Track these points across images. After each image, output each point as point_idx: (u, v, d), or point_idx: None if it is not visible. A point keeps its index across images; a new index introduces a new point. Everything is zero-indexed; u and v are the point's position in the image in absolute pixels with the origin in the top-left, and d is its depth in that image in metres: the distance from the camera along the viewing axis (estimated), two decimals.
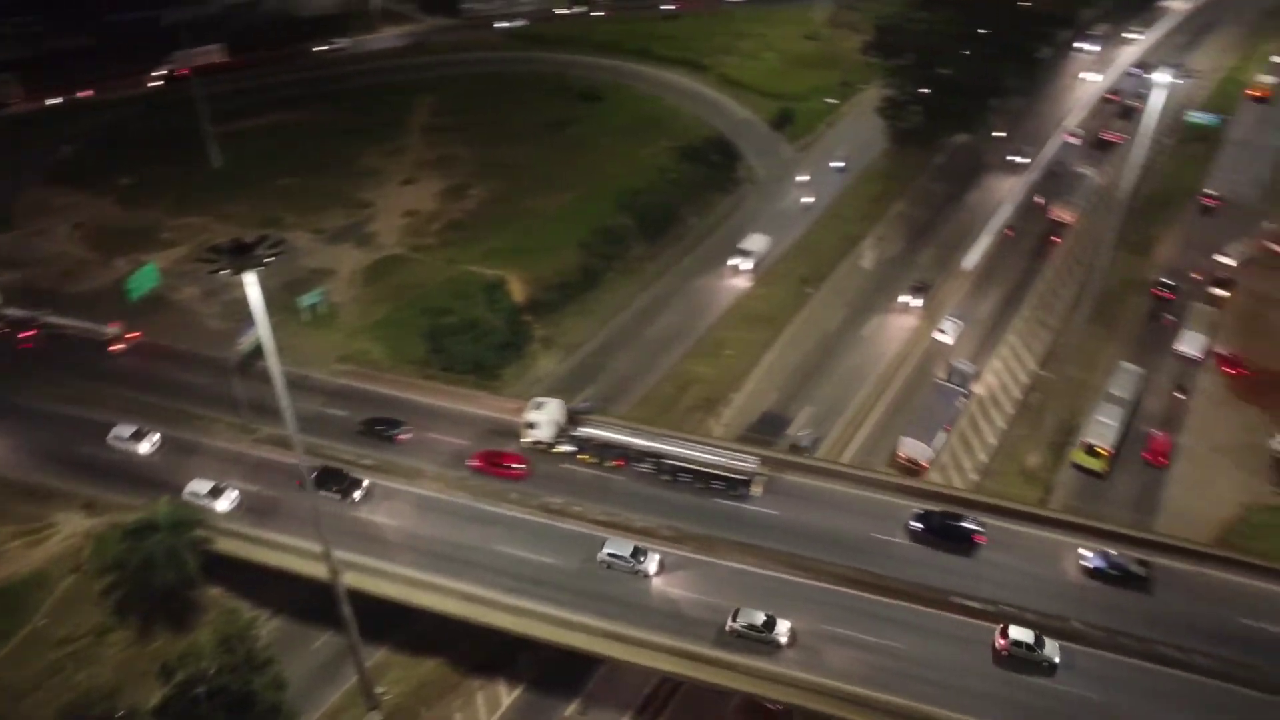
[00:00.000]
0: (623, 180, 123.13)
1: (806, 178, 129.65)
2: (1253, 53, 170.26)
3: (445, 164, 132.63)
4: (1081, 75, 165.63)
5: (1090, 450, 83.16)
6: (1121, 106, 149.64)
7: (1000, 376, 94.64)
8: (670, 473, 73.02)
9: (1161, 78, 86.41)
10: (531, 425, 76.16)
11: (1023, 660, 60.62)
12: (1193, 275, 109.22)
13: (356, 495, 72.56)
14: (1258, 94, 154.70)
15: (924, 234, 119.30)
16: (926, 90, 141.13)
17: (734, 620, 62.69)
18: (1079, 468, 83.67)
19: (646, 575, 66.69)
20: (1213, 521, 77.61)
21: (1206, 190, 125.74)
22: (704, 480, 72.30)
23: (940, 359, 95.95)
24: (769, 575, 66.59)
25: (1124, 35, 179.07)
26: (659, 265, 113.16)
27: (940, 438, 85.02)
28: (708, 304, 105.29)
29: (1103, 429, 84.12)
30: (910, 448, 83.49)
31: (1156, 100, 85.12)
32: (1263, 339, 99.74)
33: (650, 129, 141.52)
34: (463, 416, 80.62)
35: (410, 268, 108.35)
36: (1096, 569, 66.76)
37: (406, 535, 70.26)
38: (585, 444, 75.51)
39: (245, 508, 72.70)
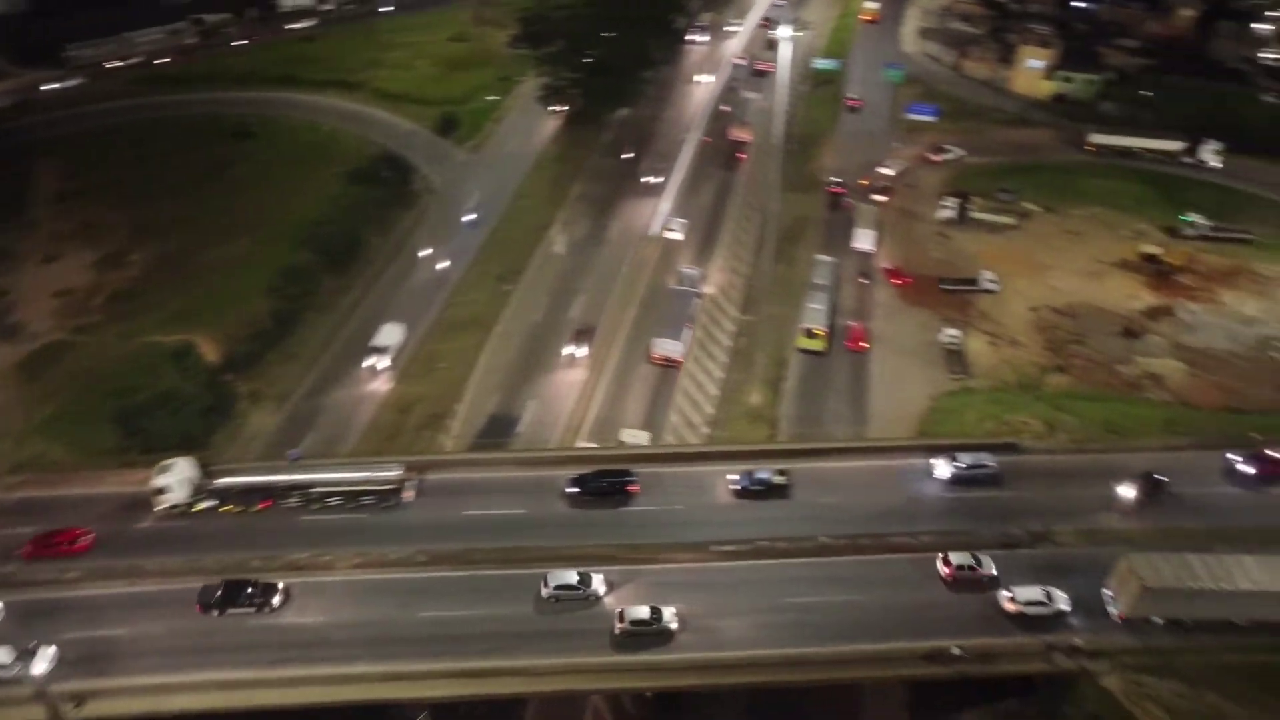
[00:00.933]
0: (297, 215, 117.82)
1: (429, 250, 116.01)
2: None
3: (91, 232, 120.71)
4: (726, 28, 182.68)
5: (809, 334, 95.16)
6: (768, 40, 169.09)
7: (720, 286, 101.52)
8: (319, 500, 73.18)
9: (784, 32, 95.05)
10: (161, 490, 72.08)
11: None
12: (860, 182, 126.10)
13: (275, 601, 66.27)
14: (868, 18, 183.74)
15: (607, 208, 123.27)
16: (578, 74, 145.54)
17: (621, 621, 63.67)
18: (804, 351, 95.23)
19: (599, 598, 66.70)
20: (910, 416, 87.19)
21: (849, 95, 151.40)
22: (353, 499, 73.09)
23: (673, 263, 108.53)
24: (424, 576, 68.33)
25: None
26: (355, 294, 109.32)
27: (686, 334, 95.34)
28: (413, 320, 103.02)
29: (815, 313, 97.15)
30: (662, 346, 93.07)
31: (785, 53, 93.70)
32: (913, 248, 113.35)
33: (314, 158, 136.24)
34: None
35: (78, 352, 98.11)
36: (743, 488, 74.38)
37: (335, 627, 65.34)
38: (226, 495, 73.54)
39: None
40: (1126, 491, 74.19)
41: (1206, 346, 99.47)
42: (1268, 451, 78.58)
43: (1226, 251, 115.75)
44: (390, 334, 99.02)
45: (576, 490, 73.88)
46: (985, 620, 65.85)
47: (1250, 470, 77.71)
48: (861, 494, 74.66)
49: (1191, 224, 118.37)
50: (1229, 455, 78.59)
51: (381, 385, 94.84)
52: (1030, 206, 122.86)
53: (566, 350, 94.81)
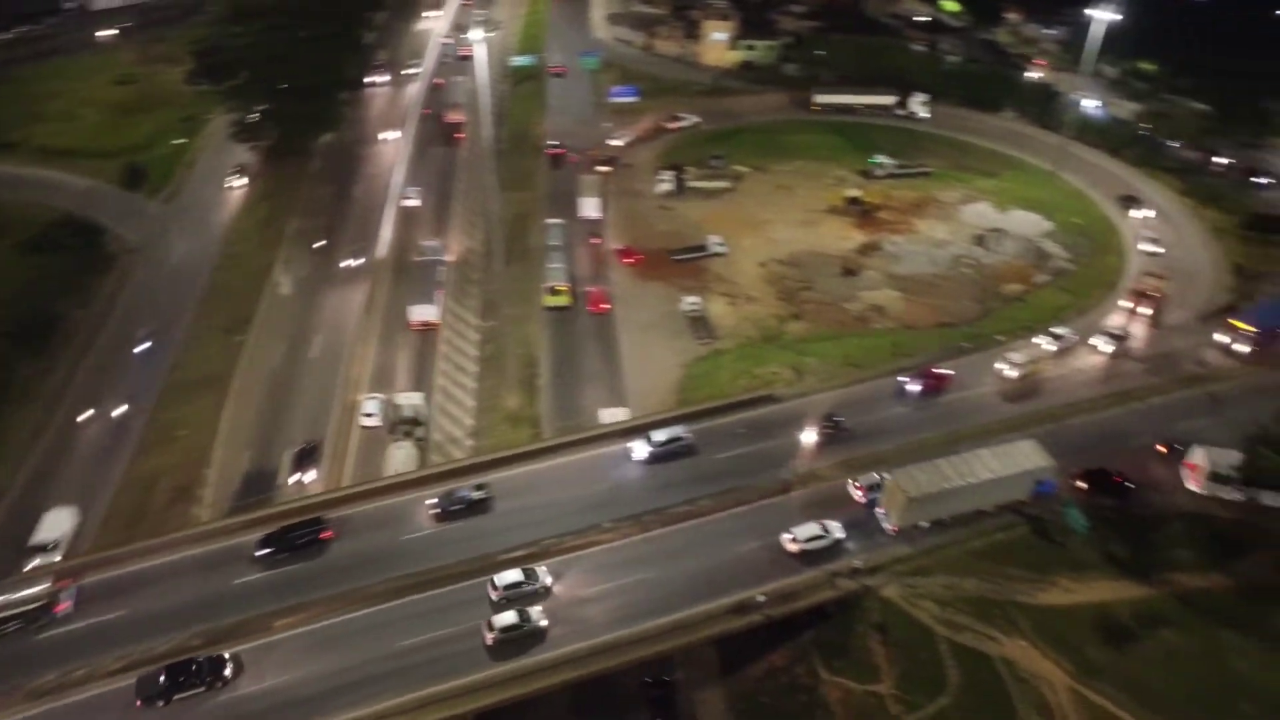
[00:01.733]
0: None
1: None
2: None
3: None
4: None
5: (553, 291, 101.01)
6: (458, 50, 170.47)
7: (454, 327, 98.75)
8: None
9: (476, 35, 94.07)
10: None
11: None
12: (589, 154, 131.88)
13: (227, 672, 59.82)
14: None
15: (333, 233, 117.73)
16: (270, 104, 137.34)
17: (491, 631, 62.42)
18: (551, 308, 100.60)
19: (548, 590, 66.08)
20: (667, 387, 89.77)
21: (551, 64, 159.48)
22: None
23: (415, 233, 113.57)
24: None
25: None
26: (61, 374, 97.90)
27: (438, 298, 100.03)
28: (138, 390, 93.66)
29: (555, 271, 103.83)
30: (419, 313, 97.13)
31: (481, 55, 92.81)
32: (640, 225, 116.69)
33: None
34: None
35: None
36: (443, 510, 71.91)
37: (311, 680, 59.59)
38: None
39: None
40: (809, 435, 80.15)
41: (913, 273, 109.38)
42: (933, 370, 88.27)
43: (912, 185, 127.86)
44: (55, 524, 75.60)
45: (269, 551, 68.28)
46: (775, 565, 69.48)
47: (915, 388, 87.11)
48: (572, 487, 75.27)
49: (880, 165, 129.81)
50: (899, 378, 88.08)
51: (115, 464, 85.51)
52: (741, 169, 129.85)
53: (293, 479, 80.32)
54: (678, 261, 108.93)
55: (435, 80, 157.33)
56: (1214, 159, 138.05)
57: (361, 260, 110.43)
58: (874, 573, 70.35)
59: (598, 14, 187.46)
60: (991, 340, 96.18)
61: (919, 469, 73.17)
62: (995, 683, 64.50)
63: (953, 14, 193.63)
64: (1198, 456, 79.42)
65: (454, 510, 72.13)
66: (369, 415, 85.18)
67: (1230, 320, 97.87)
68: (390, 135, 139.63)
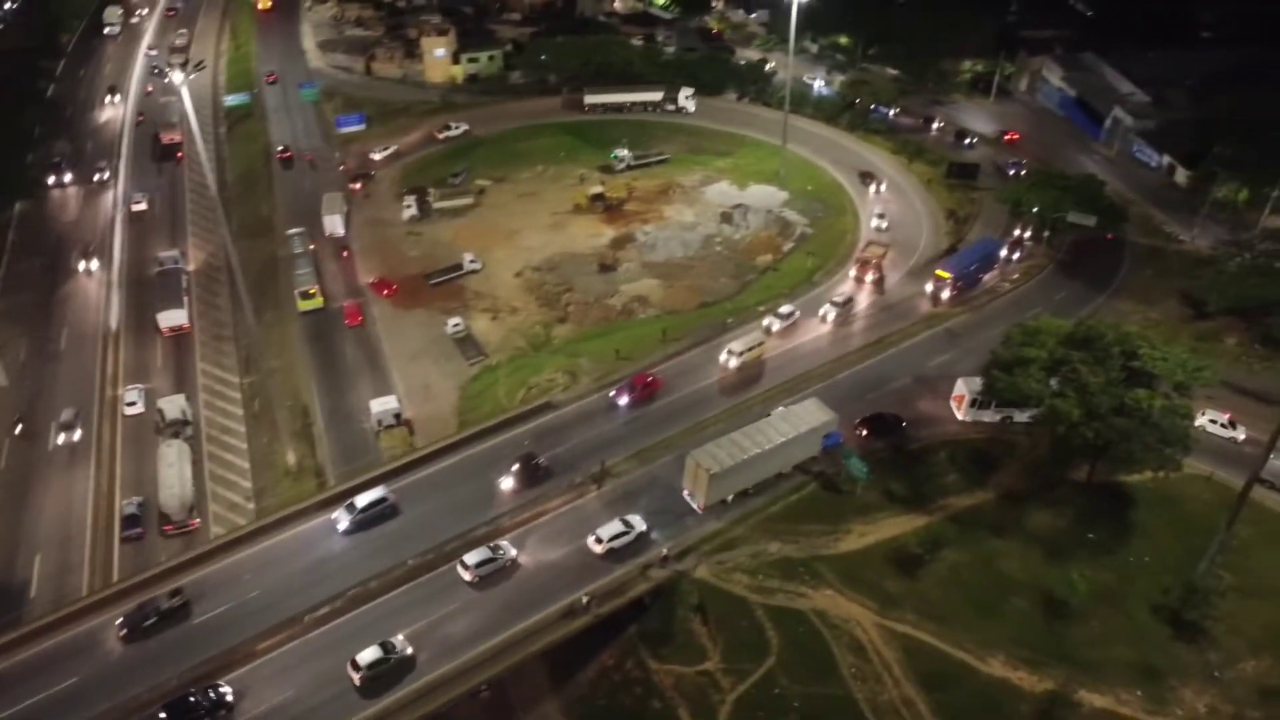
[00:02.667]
0: None
1: None
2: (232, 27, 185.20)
3: None
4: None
5: (305, 295, 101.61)
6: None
7: (212, 409, 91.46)
8: None
9: (178, 77, 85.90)
10: None
11: None
12: (340, 168, 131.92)
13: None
14: (266, 6, 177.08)
15: (45, 313, 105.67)
16: None
17: (357, 670, 60.65)
18: (306, 312, 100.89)
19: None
20: (447, 413, 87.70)
21: (268, 70, 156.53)
22: None
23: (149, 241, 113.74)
24: None
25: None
26: None
27: (186, 302, 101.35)
28: None
29: (302, 276, 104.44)
30: (168, 319, 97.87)
31: (187, 100, 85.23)
32: (391, 254, 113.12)
33: None
34: None
35: None
36: (129, 629, 63.55)
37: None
38: None
39: None
40: (506, 480, 76.88)
41: (668, 258, 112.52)
42: (641, 378, 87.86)
43: (654, 174, 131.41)
44: None
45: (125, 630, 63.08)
46: (589, 570, 69.62)
47: (624, 400, 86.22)
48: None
49: (619, 158, 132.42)
50: (611, 394, 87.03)
51: None
52: (483, 182, 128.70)
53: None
54: (435, 285, 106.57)
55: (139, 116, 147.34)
56: (931, 122, 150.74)
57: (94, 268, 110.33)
58: (683, 557, 71.91)
59: (309, 43, 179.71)
60: (753, 311, 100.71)
61: (716, 445, 75.35)
62: (812, 634, 67.69)
63: (663, 7, 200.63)
64: (959, 387, 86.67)
65: (147, 626, 63.57)
66: (131, 404, 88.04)
67: (935, 271, 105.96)
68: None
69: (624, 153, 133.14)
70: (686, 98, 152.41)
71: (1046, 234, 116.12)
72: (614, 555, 70.81)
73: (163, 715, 57.40)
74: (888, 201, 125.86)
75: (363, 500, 72.62)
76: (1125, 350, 76.49)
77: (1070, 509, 78.92)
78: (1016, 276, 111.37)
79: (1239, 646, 68.85)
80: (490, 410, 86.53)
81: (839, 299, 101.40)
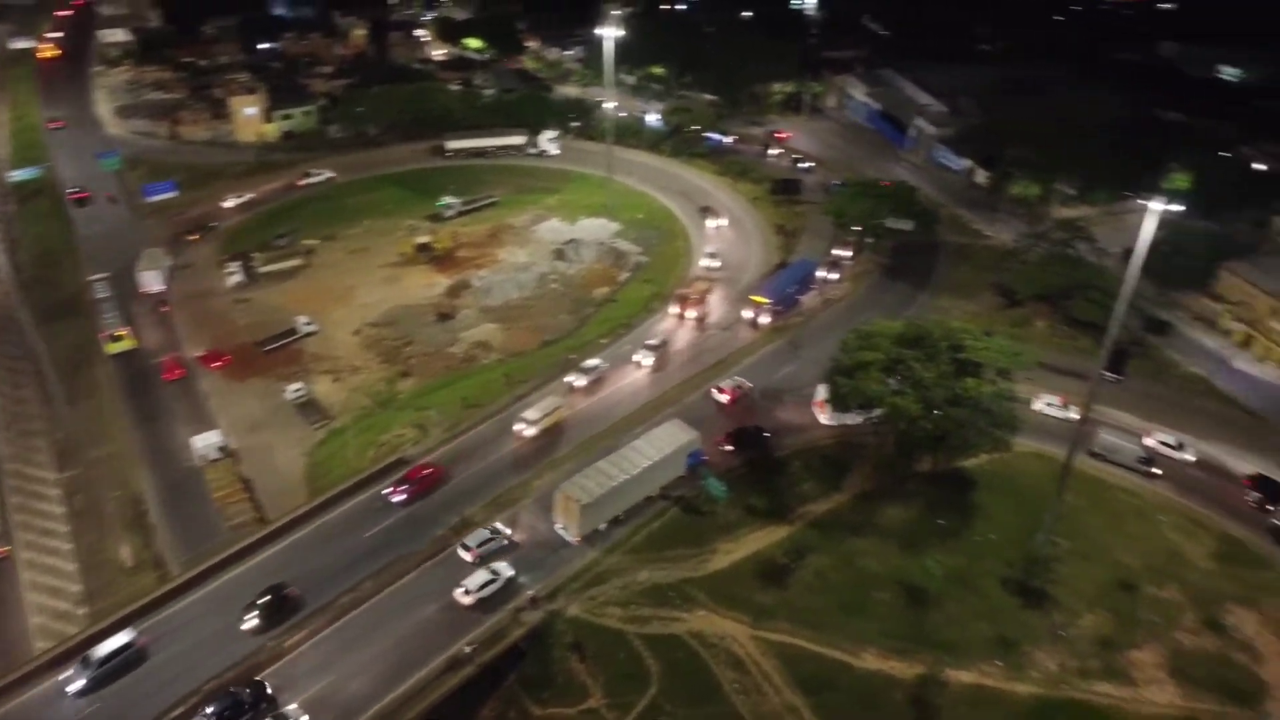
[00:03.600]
0: None
1: None
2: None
3: None
4: None
5: (114, 338, 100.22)
6: None
7: (26, 512, 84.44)
8: None
9: None
10: None
11: None
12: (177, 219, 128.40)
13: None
14: (55, 125, 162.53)
15: None
16: None
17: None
18: (118, 355, 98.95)
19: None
20: (296, 483, 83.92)
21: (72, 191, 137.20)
22: None
23: None
24: None
25: None
26: None
27: None
28: None
29: (112, 320, 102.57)
30: None
31: None
32: (220, 325, 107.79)
33: None
34: None
35: None
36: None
37: None
38: None
39: None
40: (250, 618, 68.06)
41: (505, 301, 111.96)
42: (418, 469, 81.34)
43: (483, 218, 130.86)
44: None
45: None
46: (461, 623, 68.03)
47: (401, 497, 78.88)
48: None
49: (448, 205, 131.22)
50: (384, 491, 79.83)
51: None
52: (310, 242, 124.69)
53: None
54: (269, 352, 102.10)
55: None
56: (769, 148, 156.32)
57: None
58: (554, 597, 71.15)
59: (105, 109, 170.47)
60: (596, 344, 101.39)
61: (584, 476, 75.72)
62: (690, 657, 67.99)
63: (478, 50, 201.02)
64: (821, 392, 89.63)
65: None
66: None
67: (751, 297, 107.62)
68: None
69: (451, 199, 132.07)
70: (549, 140, 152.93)
71: (870, 240, 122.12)
72: (484, 605, 69.44)
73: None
74: (722, 233, 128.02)
75: (104, 649, 63.65)
76: (952, 344, 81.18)
77: (919, 500, 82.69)
78: (846, 285, 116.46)
79: (1078, 605, 73.76)
80: (343, 473, 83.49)
81: (653, 341, 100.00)
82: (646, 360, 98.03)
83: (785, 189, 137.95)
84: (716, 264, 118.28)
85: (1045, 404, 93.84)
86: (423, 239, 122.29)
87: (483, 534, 73.84)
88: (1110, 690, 67.90)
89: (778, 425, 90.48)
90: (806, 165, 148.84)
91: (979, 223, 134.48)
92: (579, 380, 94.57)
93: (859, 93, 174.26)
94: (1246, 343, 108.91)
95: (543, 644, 68.55)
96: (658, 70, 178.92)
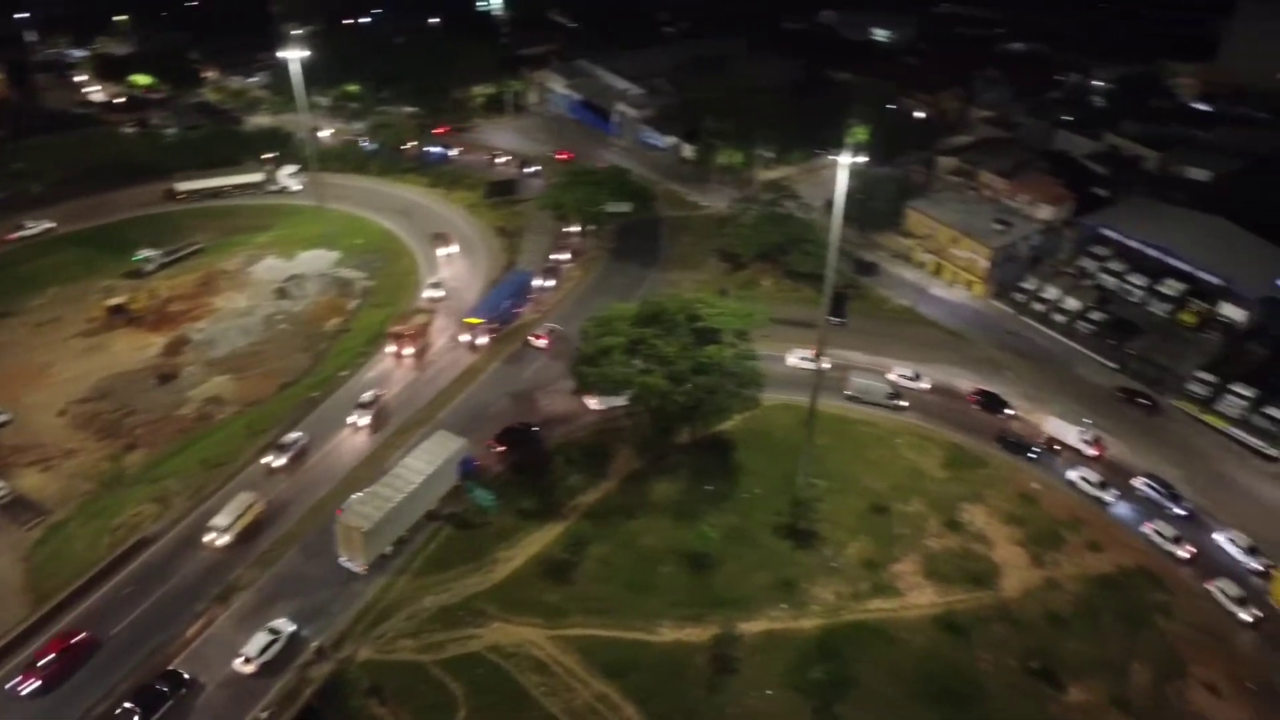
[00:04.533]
0: None
1: None
2: None
3: None
4: None
5: None
6: None
7: None
8: None
9: None
10: None
11: None
12: None
13: None
14: None
15: None
16: None
17: None
18: None
19: None
20: (16, 591, 74.15)
21: None
22: None
23: None
24: None
25: None
26: None
27: None
28: None
29: None
30: None
31: None
32: None
33: None
34: None
35: None
36: None
37: None
38: None
39: None
40: None
41: (232, 350, 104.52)
42: (57, 643, 65.63)
43: (191, 267, 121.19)
44: None
45: None
46: (249, 695, 63.49)
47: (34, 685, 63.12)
48: None
49: (146, 260, 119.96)
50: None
51: None
52: None
53: None
54: None
55: None
56: (495, 156, 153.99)
57: None
58: (340, 645, 67.76)
59: None
60: (337, 379, 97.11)
61: (360, 502, 73.72)
62: (493, 671, 66.93)
63: (147, 87, 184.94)
64: None
65: None
66: None
67: (465, 319, 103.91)
68: None
69: (149, 252, 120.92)
70: (289, 175, 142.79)
71: (593, 228, 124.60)
72: (269, 669, 65.01)
73: None
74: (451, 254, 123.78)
75: None
76: (689, 315, 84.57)
77: (685, 470, 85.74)
78: (576, 274, 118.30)
79: (842, 536, 79.57)
80: (74, 567, 74.84)
81: (366, 397, 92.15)
82: (363, 420, 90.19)
83: (501, 191, 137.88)
84: (440, 293, 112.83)
85: (799, 358, 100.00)
86: (116, 300, 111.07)
87: (261, 639, 66.27)
88: (882, 605, 73.79)
89: (548, 418, 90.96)
90: (531, 170, 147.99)
91: (693, 195, 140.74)
92: (278, 460, 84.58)
93: (559, 86, 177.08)
94: (938, 271, 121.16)
95: (338, 697, 65.09)
96: (353, 88, 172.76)
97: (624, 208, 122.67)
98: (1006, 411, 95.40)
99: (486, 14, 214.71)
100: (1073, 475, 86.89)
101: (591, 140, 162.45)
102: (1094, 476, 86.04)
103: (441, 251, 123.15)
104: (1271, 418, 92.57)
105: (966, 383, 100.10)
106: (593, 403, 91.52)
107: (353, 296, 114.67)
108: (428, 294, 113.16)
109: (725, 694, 66.36)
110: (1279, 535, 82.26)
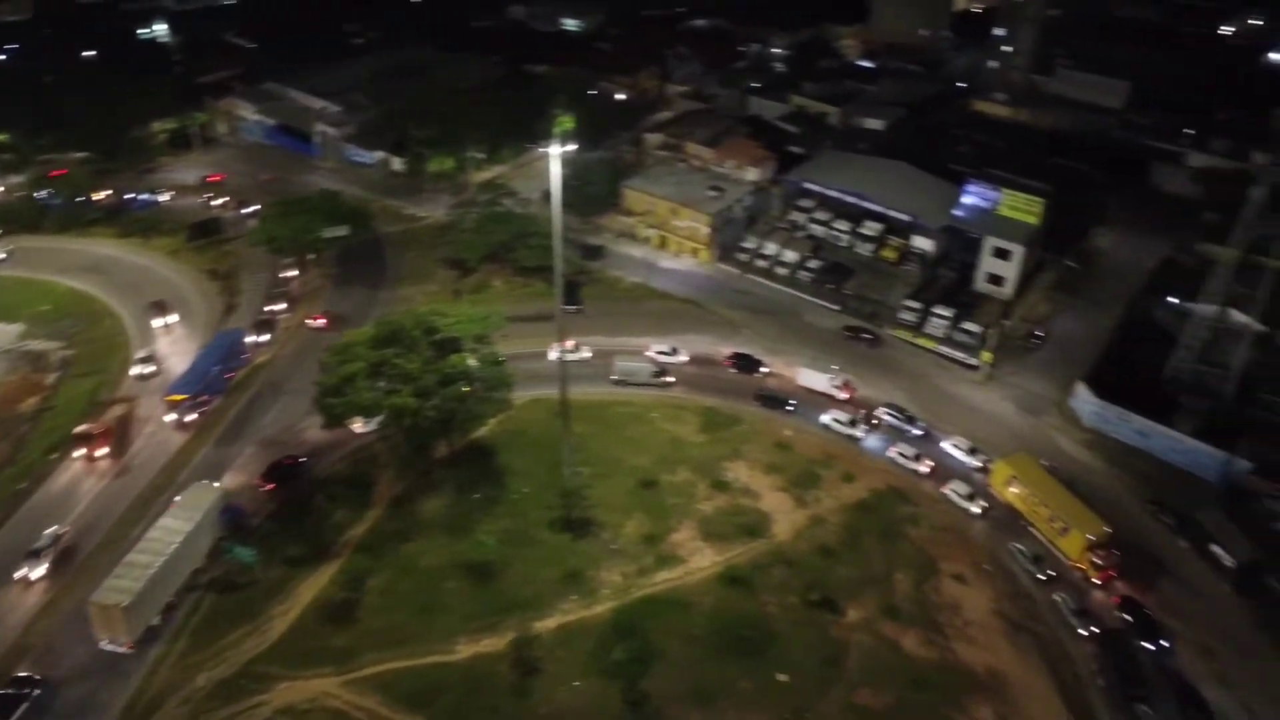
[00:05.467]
0: None
1: None
2: None
3: None
4: None
5: None
6: None
7: None
8: None
9: None
10: None
11: None
12: None
13: None
14: None
15: None
16: None
17: None
18: None
19: None
20: None
21: None
22: None
23: None
24: None
25: None
26: None
27: None
28: None
29: None
30: None
31: None
32: None
33: None
34: None
35: None
36: None
37: None
38: None
39: None
40: None
41: None
42: None
43: None
44: None
45: None
46: None
47: None
48: None
49: None
50: None
51: None
52: None
53: None
54: None
55: None
56: (209, 196, 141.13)
57: None
58: None
59: None
60: (45, 462, 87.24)
61: (115, 578, 67.98)
62: None
63: None
64: None
65: None
66: None
67: (167, 397, 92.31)
68: None
69: None
70: None
71: (312, 257, 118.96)
72: None
73: None
74: (172, 328, 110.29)
75: None
76: (426, 329, 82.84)
77: (450, 484, 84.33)
78: (301, 309, 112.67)
79: (617, 518, 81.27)
80: None
81: (40, 543, 75.89)
82: (37, 570, 74.13)
83: (204, 232, 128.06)
84: (151, 368, 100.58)
85: (559, 352, 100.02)
86: None
87: None
88: (667, 575, 76.13)
89: (314, 449, 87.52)
90: (250, 210, 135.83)
91: (410, 207, 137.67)
92: None
93: (249, 112, 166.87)
94: (663, 244, 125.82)
95: None
96: (2, 137, 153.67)
97: (341, 231, 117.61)
98: (762, 370, 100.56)
99: (152, 42, 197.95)
100: (825, 419, 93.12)
101: (296, 165, 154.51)
102: (844, 416, 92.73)
103: (158, 322, 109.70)
104: (968, 331, 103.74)
105: (715, 349, 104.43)
106: (358, 426, 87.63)
107: (50, 370, 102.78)
108: (136, 370, 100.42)
109: (534, 695, 66.23)
110: (989, 433, 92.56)
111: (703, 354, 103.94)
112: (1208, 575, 77.42)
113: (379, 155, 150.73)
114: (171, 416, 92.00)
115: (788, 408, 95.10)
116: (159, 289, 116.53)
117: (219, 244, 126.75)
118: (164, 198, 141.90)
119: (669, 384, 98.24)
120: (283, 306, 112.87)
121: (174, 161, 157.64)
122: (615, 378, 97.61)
